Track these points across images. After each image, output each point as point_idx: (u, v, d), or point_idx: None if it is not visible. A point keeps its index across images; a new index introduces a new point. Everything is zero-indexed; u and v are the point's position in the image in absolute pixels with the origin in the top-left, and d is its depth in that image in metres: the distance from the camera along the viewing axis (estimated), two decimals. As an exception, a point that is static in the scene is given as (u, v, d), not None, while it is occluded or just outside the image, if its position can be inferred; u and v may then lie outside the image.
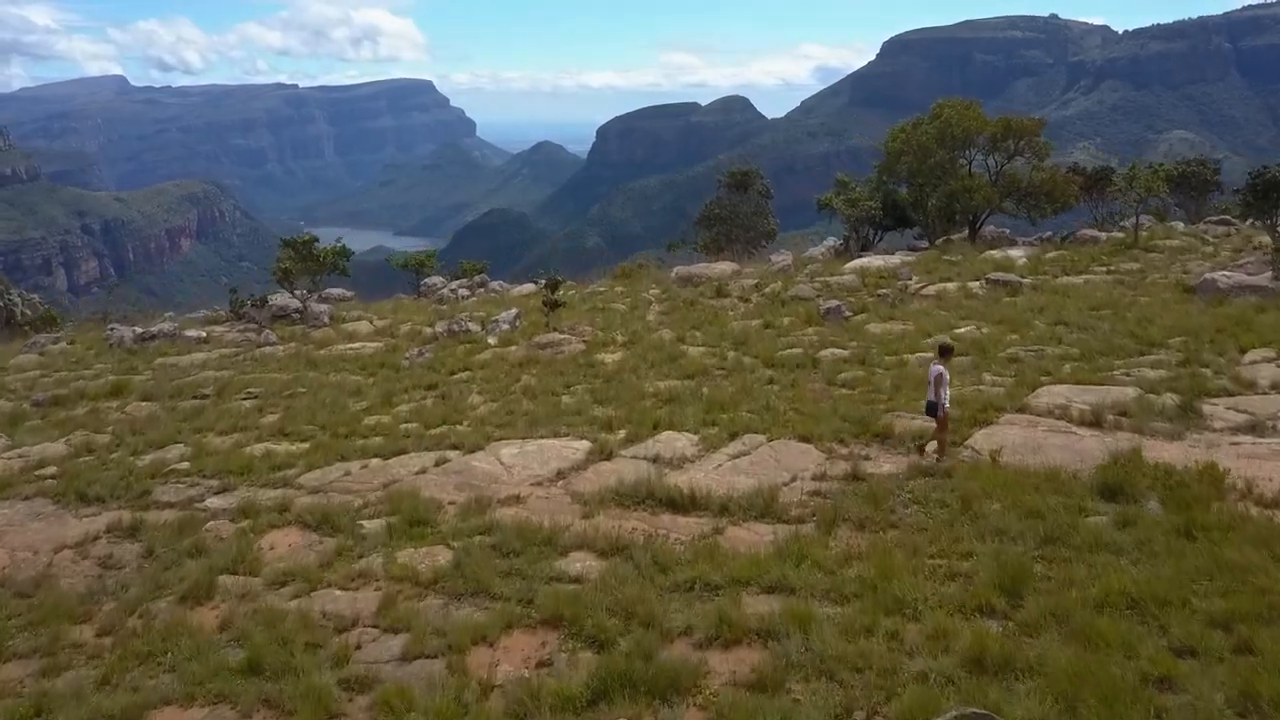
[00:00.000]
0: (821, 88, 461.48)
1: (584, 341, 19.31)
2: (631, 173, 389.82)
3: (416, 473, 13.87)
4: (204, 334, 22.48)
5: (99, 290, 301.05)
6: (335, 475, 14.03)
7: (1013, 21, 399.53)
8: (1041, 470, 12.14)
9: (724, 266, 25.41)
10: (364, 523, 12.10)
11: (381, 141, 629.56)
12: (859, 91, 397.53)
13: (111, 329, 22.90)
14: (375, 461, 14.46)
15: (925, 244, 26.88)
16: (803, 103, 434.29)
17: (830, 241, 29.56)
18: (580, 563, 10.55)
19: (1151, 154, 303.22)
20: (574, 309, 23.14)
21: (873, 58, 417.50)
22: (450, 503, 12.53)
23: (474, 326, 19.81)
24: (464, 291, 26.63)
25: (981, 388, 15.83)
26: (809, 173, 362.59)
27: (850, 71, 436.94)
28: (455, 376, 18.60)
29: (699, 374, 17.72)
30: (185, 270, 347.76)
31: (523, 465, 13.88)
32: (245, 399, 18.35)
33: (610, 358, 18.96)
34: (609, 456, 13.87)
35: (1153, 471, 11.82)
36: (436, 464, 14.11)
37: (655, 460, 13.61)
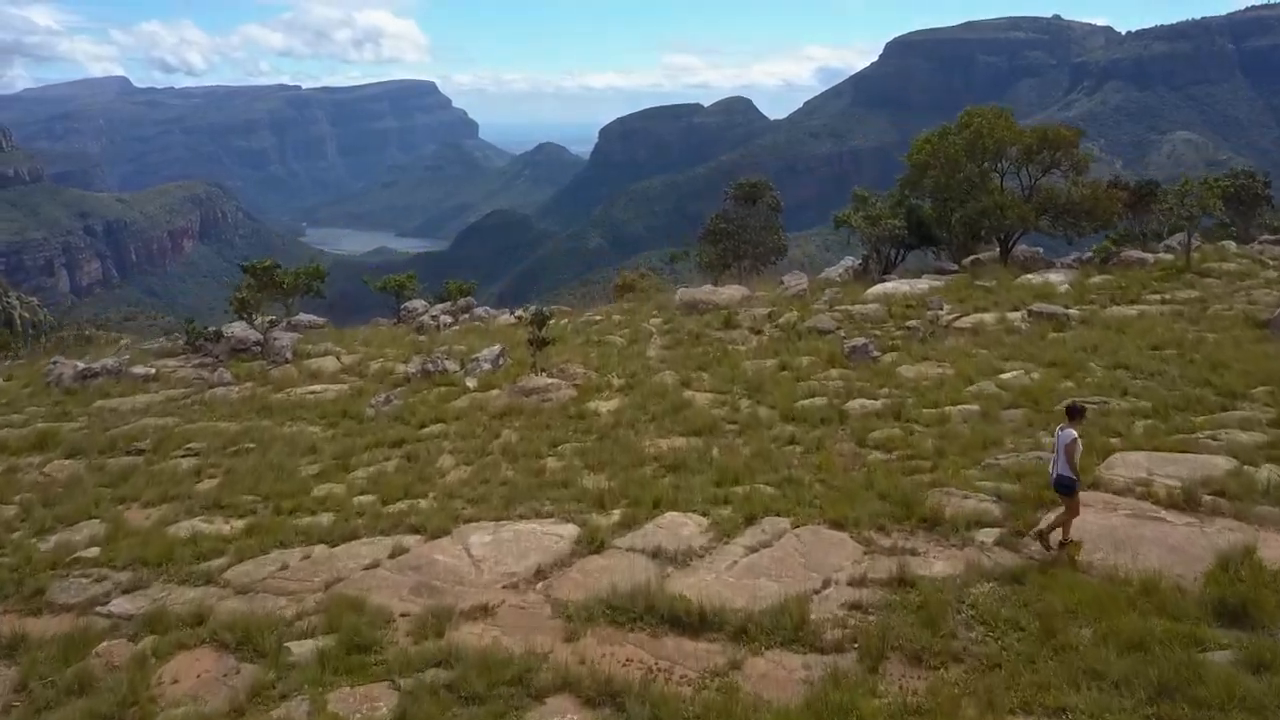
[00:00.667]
0: (824, 89, 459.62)
1: (575, 386, 16.85)
2: (634, 174, 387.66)
3: (367, 567, 11.43)
4: (152, 370, 20.03)
5: (101, 291, 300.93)
6: (270, 569, 11.58)
7: (1015, 22, 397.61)
8: (1136, 578, 9.70)
9: (732, 291, 22.81)
10: (293, 645, 9.64)
11: (384, 143, 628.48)
12: (862, 93, 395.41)
13: (53, 363, 20.46)
14: (319, 550, 12.01)
15: (953, 266, 24.30)
16: (805, 104, 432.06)
17: (848, 261, 26.97)
18: (560, 716, 8.16)
19: (1155, 155, 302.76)
20: (566, 342, 20.68)
21: (875, 59, 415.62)
22: (402, 615, 10.11)
23: (452, 365, 17.33)
24: (446, 318, 24.09)
25: (1041, 455, 13.35)
26: (811, 174, 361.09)
27: (853, 73, 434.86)
28: (426, 430, 16.14)
29: (707, 430, 15.25)
30: (187, 271, 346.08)
31: (495, 559, 11.43)
32: (184, 456, 15.92)
33: (605, 407, 16.49)
34: (600, 548, 11.42)
35: (1277, 582, 9.42)
36: (392, 554, 11.67)
37: (656, 555, 11.16)
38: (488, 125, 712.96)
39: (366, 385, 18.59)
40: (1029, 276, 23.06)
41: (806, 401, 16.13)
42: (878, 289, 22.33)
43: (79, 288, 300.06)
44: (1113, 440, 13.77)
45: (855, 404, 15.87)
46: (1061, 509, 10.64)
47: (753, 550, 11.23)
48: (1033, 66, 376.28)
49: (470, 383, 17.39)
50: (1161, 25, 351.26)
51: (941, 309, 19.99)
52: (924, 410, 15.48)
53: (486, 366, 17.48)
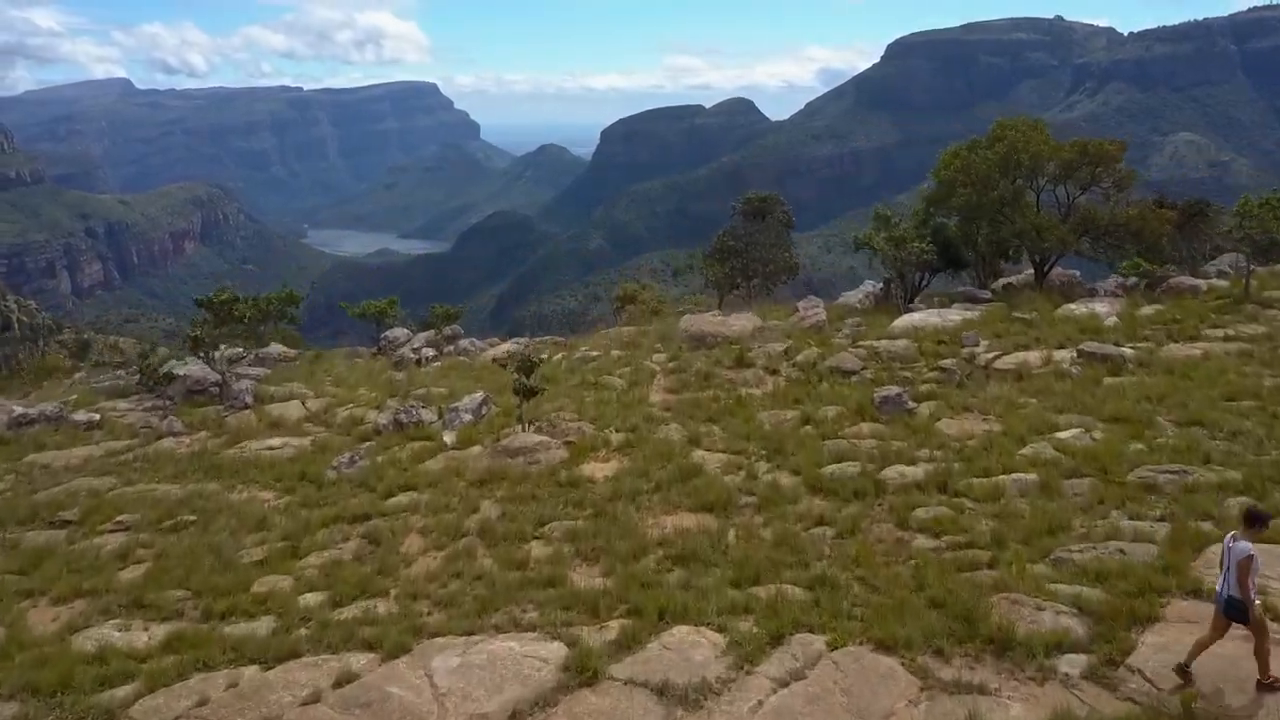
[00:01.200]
0: (826, 90, 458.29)
1: (567, 443, 14.61)
2: (635, 175, 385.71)
3: (304, 702, 9.23)
4: (96, 416, 17.81)
5: (102, 293, 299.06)
6: (185, 703, 9.37)
7: (1017, 23, 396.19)
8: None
9: (743, 322, 20.37)
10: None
11: (385, 144, 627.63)
12: (863, 94, 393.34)
13: (-13, 409, 18.23)
14: (250, 674, 9.79)
15: (985, 293, 21.98)
16: (807, 105, 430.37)
17: (868, 286, 24.68)
18: None
19: (1157, 156, 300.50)
20: (558, 383, 18.41)
21: (877, 60, 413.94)
22: (342, 782, 7.92)
23: (428, 415, 15.08)
24: (429, 351, 21.66)
25: (1123, 547, 11.12)
26: (813, 175, 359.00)
27: (854, 74, 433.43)
28: (392, 500, 13.89)
29: (721, 505, 13.01)
30: (188, 273, 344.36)
31: (462, 692, 9.22)
32: (113, 530, 13.72)
33: (601, 471, 14.24)
34: (592, 678, 9.20)
35: None
36: (337, 683, 9.45)
37: (662, 691, 8.95)
38: (489, 126, 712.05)
39: (332, 439, 16.26)
40: (1071, 307, 20.73)
41: (835, 467, 13.87)
42: (905, 320, 19.96)
43: (80, 289, 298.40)
44: (1203, 523, 11.54)
45: (892, 471, 13.61)
46: (1209, 630, 8.50)
47: (782, 684, 9.03)
48: (1034, 68, 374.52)
49: (448, 437, 15.13)
50: (1163, 26, 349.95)
51: (978, 345, 17.71)
52: (973, 480, 13.22)
53: (467, 417, 15.21)
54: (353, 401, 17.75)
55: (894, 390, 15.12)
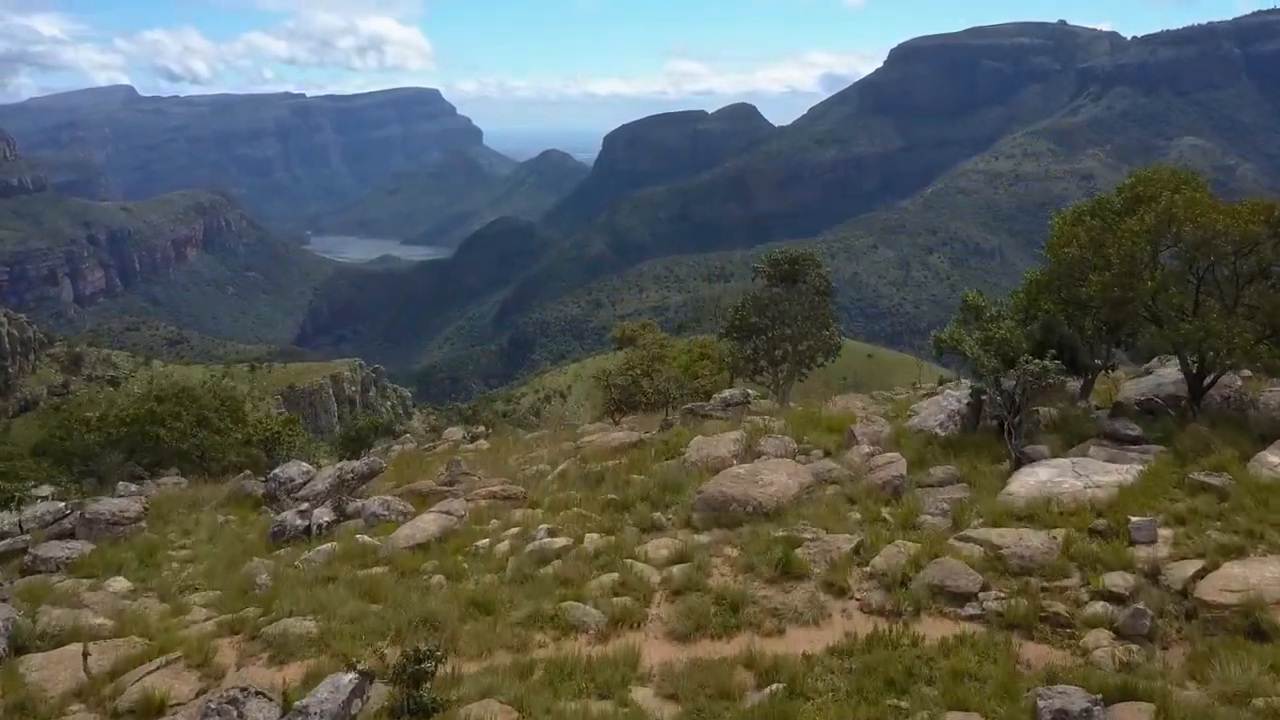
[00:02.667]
0: (829, 95, 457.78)
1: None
2: (638, 181, 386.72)
3: None
4: None
5: (104, 300, 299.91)
6: None
7: (1021, 28, 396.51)
8: None
9: (783, 480, 12.97)
10: None
11: (388, 150, 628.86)
12: (867, 99, 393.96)
13: None
14: None
15: (1133, 429, 14.09)
16: (810, 110, 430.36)
17: (950, 403, 15.96)
18: None
19: (1161, 160, 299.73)
20: (497, 616, 9.96)
21: (880, 65, 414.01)
22: None
23: (261, 716, 7.62)
24: (324, 517, 13.80)
25: None
26: (816, 180, 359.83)
27: (858, 79, 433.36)
28: None
29: None
30: (191, 280, 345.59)
31: None
32: None
33: None
34: None
35: None
36: None
37: None
38: (492, 132, 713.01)
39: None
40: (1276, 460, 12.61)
41: None
42: (1027, 483, 12.57)
43: (82, 297, 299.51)
44: None
45: None
46: None
47: None
48: (1038, 72, 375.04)
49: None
50: (1167, 30, 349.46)
51: (1155, 542, 10.81)
52: None
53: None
54: (164, 654, 9.46)
55: (1077, 703, 7.12)
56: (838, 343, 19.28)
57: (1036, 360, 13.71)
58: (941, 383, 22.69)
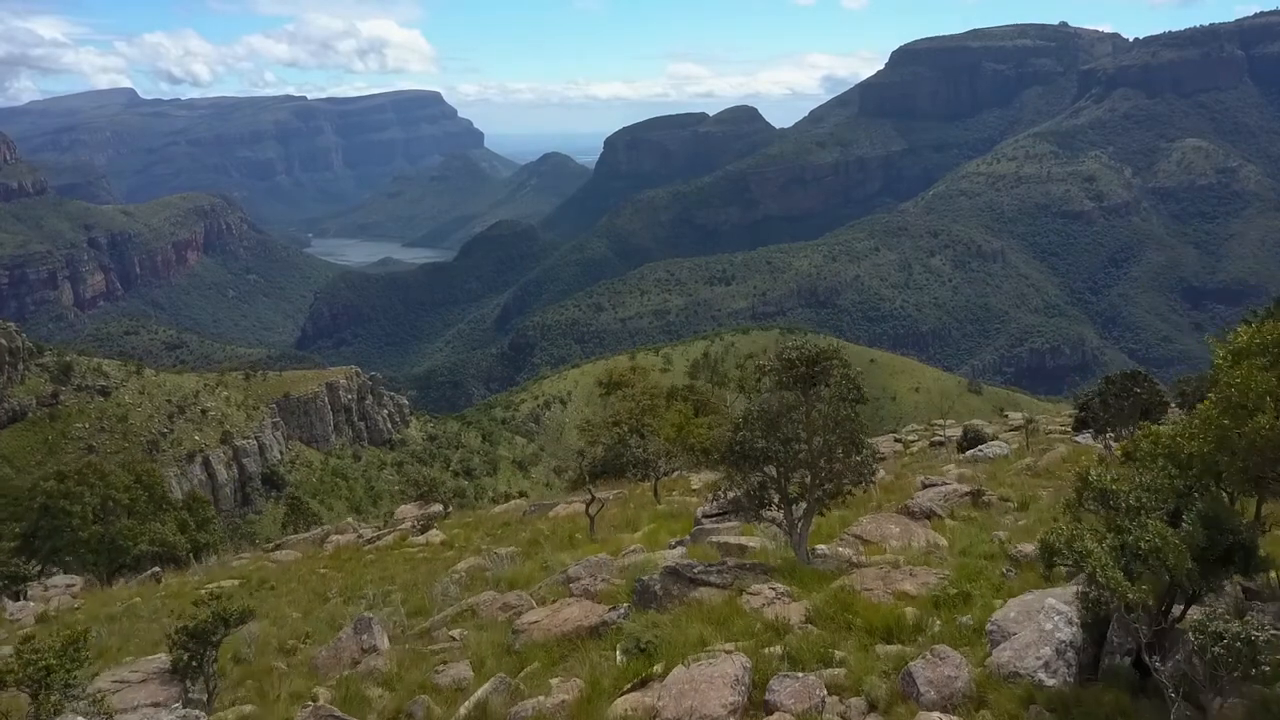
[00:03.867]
0: (830, 97, 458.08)
1: None
2: (639, 183, 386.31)
3: None
4: None
5: (105, 304, 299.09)
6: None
7: (1022, 30, 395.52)
8: None
9: None
10: None
11: (389, 153, 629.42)
12: (868, 101, 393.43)
13: None
14: None
15: None
16: (811, 112, 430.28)
17: (1061, 632, 9.13)
18: None
19: (1164, 163, 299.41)
20: None
21: (881, 67, 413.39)
22: None
23: None
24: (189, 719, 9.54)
25: None
26: (818, 183, 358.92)
27: (858, 81, 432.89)
28: None
29: None
30: (192, 283, 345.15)
31: None
32: None
33: None
34: None
35: None
36: None
37: None
38: (493, 135, 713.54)
39: None
40: None
41: None
42: None
43: (82, 300, 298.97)
44: None
45: None
46: None
47: None
48: (1040, 74, 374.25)
49: None
50: (1169, 32, 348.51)
51: None
52: None
53: None
54: None
55: None
56: (874, 466, 12.32)
57: (1230, 620, 7.80)
58: (944, 416, 20.49)
